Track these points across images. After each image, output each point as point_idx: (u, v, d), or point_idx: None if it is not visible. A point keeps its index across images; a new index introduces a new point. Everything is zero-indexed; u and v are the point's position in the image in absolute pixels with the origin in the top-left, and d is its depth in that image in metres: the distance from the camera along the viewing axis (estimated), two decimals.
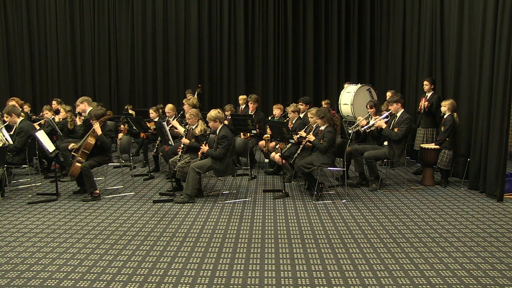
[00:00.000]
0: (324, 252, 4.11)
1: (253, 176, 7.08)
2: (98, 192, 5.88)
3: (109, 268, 3.80)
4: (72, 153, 5.82)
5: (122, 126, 8.14)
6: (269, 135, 7.15)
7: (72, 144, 6.13)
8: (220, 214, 5.23)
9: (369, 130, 6.50)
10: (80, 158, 5.67)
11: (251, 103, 7.89)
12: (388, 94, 7.92)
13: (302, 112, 7.26)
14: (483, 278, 3.55)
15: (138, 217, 5.14)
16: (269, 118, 7.53)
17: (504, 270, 3.70)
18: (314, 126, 6.06)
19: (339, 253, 4.09)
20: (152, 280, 3.58)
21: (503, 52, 5.46)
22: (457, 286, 3.44)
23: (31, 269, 3.79)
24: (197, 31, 11.44)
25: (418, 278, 3.57)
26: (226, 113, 7.63)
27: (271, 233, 4.59)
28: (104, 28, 11.57)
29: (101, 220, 5.03)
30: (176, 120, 7.01)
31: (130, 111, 9.14)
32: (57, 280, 3.58)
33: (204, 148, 5.73)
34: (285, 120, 7.14)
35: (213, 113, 5.77)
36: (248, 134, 7.38)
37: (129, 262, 3.92)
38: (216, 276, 3.65)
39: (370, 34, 11.39)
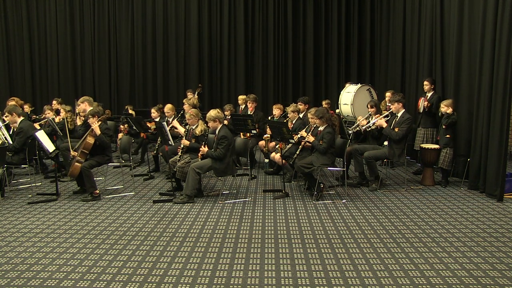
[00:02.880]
0: (324, 252, 4.11)
1: (253, 176, 7.09)
2: (98, 192, 5.88)
3: (109, 268, 3.80)
4: (71, 152, 5.81)
5: (122, 126, 8.14)
6: (269, 135, 7.14)
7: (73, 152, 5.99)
8: (220, 214, 5.23)
9: (369, 129, 6.50)
10: (80, 158, 5.67)
11: (249, 103, 7.90)
12: (388, 94, 7.91)
13: (302, 112, 7.26)
14: (483, 278, 3.55)
15: (138, 217, 5.14)
16: (269, 118, 7.53)
17: (504, 270, 3.71)
18: (313, 126, 6.07)
19: (339, 253, 4.09)
20: (152, 280, 3.58)
21: (503, 52, 5.46)
22: (457, 286, 3.44)
23: (31, 269, 3.79)
24: (197, 31, 11.41)
25: (418, 278, 3.57)
26: (226, 113, 7.62)
27: (271, 233, 4.59)
28: (104, 28, 11.55)
29: (101, 220, 5.03)
30: (176, 120, 7.01)
31: (130, 111, 9.13)
32: (57, 280, 3.58)
33: (204, 149, 5.73)
34: (285, 120, 7.14)
35: (212, 113, 5.77)
36: (248, 134, 7.38)
37: (129, 262, 3.92)
38: (216, 276, 3.65)
39: (370, 34, 11.38)
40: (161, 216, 5.16)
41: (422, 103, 6.91)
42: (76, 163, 5.65)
